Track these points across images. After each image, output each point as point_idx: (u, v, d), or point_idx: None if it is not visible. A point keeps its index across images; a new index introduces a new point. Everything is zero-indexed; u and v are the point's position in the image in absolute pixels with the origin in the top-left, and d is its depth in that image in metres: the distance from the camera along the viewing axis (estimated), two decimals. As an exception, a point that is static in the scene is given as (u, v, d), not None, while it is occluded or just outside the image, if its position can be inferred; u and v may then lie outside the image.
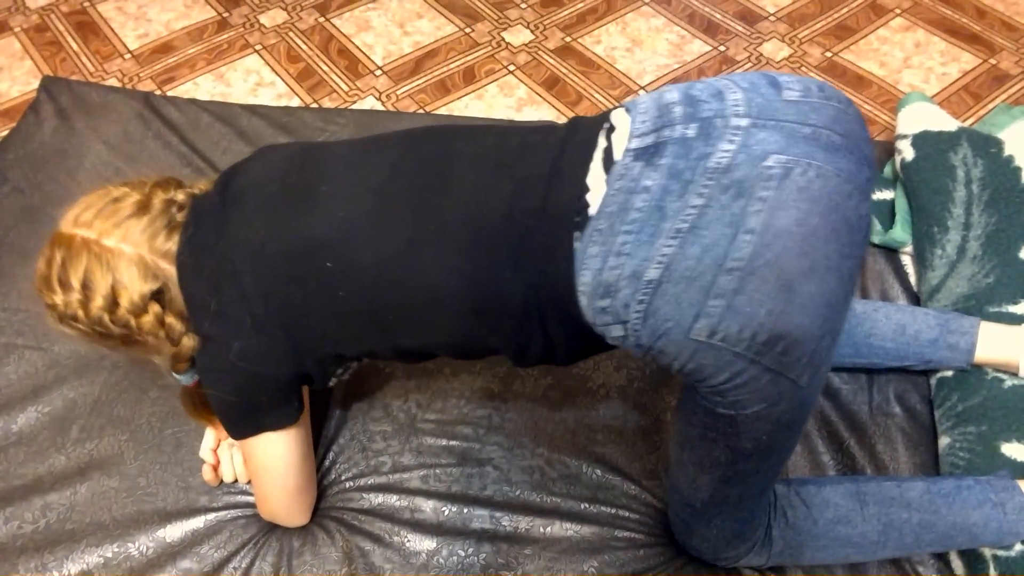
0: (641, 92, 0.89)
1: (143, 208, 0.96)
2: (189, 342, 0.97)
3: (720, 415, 0.84)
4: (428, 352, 0.99)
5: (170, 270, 0.96)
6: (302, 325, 0.94)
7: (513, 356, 0.94)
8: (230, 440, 1.18)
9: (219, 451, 1.18)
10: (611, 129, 0.85)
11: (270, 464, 1.04)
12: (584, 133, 0.87)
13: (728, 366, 0.78)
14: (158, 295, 0.95)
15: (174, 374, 1.03)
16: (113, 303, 0.93)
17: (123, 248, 0.94)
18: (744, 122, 0.78)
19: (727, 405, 0.82)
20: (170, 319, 0.95)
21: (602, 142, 0.84)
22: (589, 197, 0.81)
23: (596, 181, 0.82)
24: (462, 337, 0.93)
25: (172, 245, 0.96)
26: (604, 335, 0.85)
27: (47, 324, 1.33)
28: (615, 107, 0.90)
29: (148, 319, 0.94)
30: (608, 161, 0.82)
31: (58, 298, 0.94)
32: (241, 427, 1.01)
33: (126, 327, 0.94)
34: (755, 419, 0.83)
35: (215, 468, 1.17)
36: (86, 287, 0.93)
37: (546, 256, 0.83)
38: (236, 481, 1.18)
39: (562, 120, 1.84)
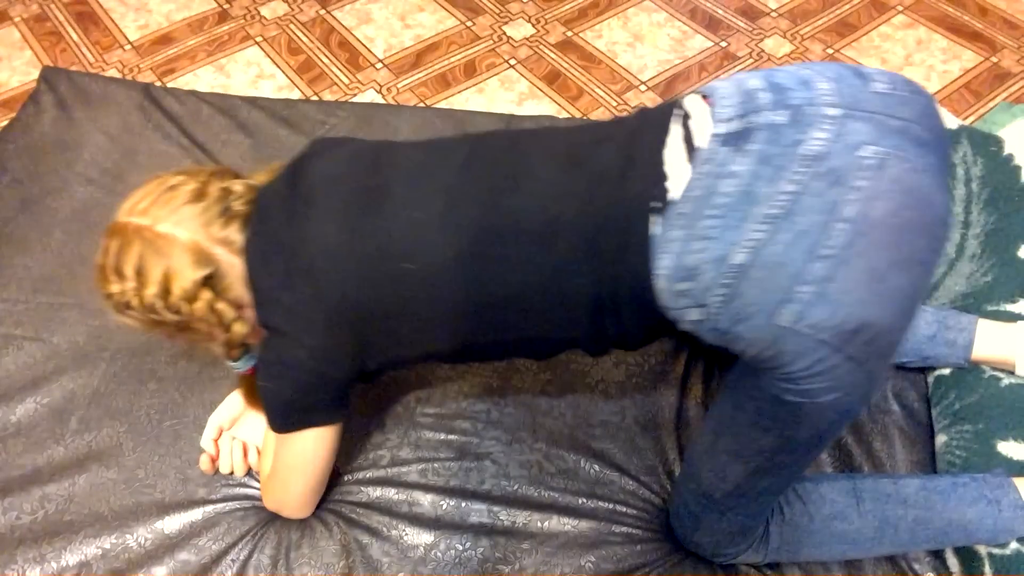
0: (718, 80, 0.89)
1: (199, 196, 0.97)
2: (241, 328, 0.98)
3: (786, 402, 0.83)
4: (499, 351, 1.00)
5: (225, 257, 0.96)
6: (375, 327, 0.94)
7: (587, 347, 0.96)
8: (232, 432, 1.19)
9: (220, 442, 1.18)
10: (687, 116, 0.86)
11: (303, 458, 1.04)
12: (656, 121, 0.87)
13: (811, 353, 0.78)
14: (210, 281, 0.95)
15: (228, 362, 1.04)
16: (165, 289, 0.94)
17: (176, 234, 0.95)
18: (836, 112, 0.78)
19: (798, 393, 0.82)
20: (221, 305, 0.96)
21: (677, 128, 0.85)
22: (669, 183, 0.81)
23: (677, 166, 0.82)
24: (536, 332, 0.93)
25: (230, 233, 0.97)
26: (678, 319, 0.85)
27: (45, 315, 1.34)
28: (686, 93, 0.90)
29: (200, 305, 0.95)
30: (690, 146, 0.82)
31: (114, 287, 0.96)
32: (290, 421, 1.01)
33: (179, 313, 0.95)
34: (823, 408, 0.83)
35: (214, 459, 1.17)
36: (140, 274, 0.94)
37: (622, 243, 0.84)
38: (232, 473, 1.18)
39: (563, 115, 1.84)
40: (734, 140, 0.79)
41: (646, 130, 0.87)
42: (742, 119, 0.80)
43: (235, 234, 0.97)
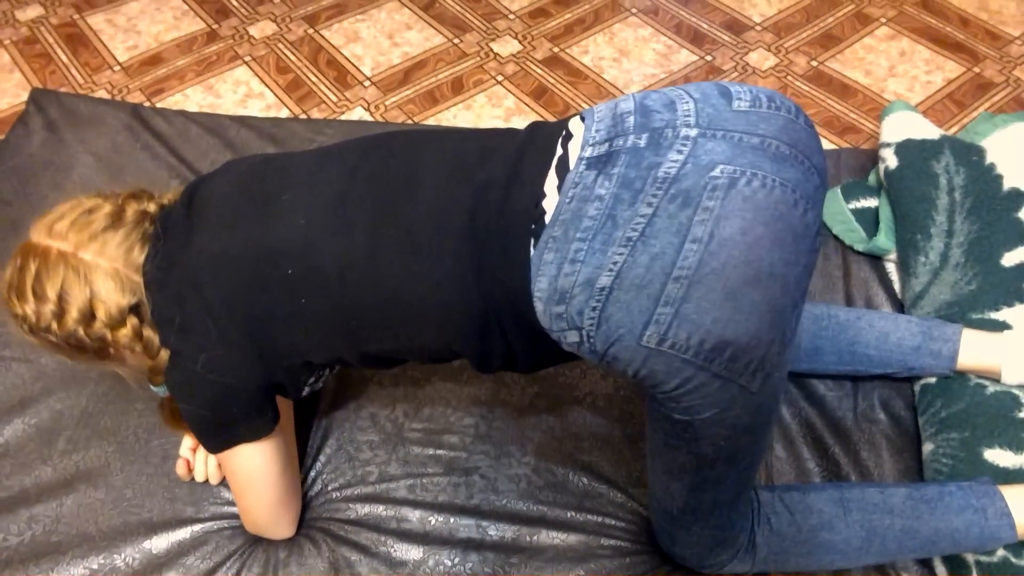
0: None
1: (117, 220, 0.96)
2: (166, 355, 0.97)
3: (677, 421, 0.85)
4: (396, 358, 0.99)
5: (140, 283, 0.96)
6: (267, 333, 0.93)
7: (476, 362, 0.95)
8: None
9: (198, 450, 1.19)
10: (568, 137, 0.87)
11: (249, 477, 1.04)
12: (542, 140, 0.88)
13: (678, 372, 0.80)
14: (136, 309, 0.95)
15: (151, 387, 1.03)
16: (89, 316, 0.93)
17: (99, 262, 0.94)
18: (693, 132, 0.79)
19: (682, 411, 0.84)
20: (148, 332, 0.95)
21: (559, 150, 0.86)
22: (545, 204, 0.83)
23: (551, 188, 0.83)
24: (426, 341, 0.93)
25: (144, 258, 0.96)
26: (560, 341, 0.86)
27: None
28: (573, 115, 0.91)
29: (125, 332, 0.94)
30: (562, 169, 0.84)
31: (29, 308, 0.94)
32: (216, 440, 1.01)
33: (101, 340, 0.94)
34: (710, 424, 0.84)
35: (190, 466, 1.18)
36: (62, 299, 0.93)
37: (503, 262, 0.84)
38: (207, 481, 1.18)
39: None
40: (599, 164, 0.81)
41: (532, 148, 0.88)
42: (609, 143, 0.82)
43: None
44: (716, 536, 0.99)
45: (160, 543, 1.13)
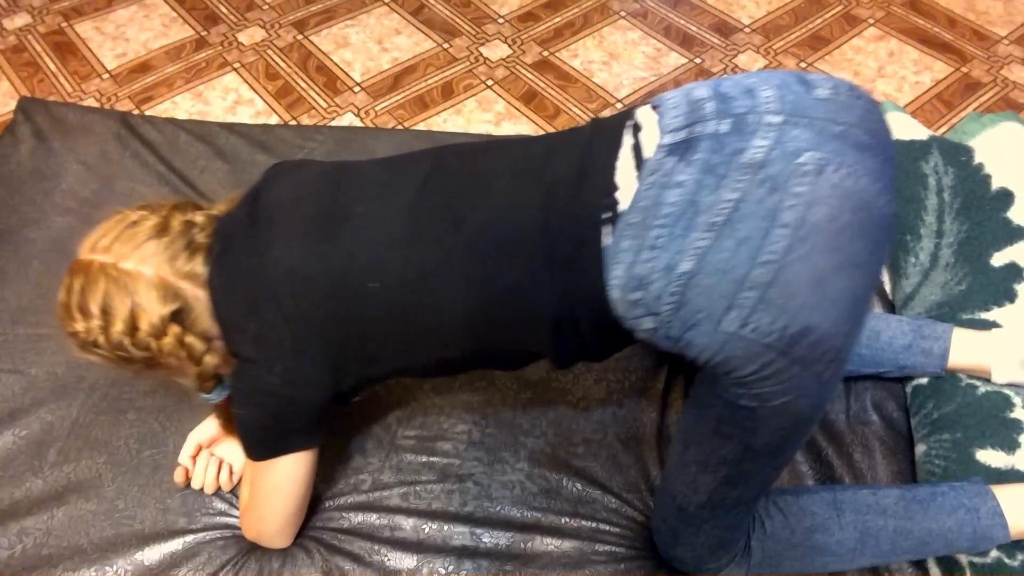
0: (667, 90, 0.90)
1: (162, 230, 0.97)
2: (212, 360, 0.97)
3: (741, 407, 0.85)
4: (472, 362, 1.01)
5: (191, 290, 0.96)
6: (343, 347, 0.95)
7: (553, 358, 0.96)
8: (211, 450, 1.19)
9: (198, 458, 1.18)
10: (637, 127, 0.87)
11: (281, 486, 1.04)
12: (608, 132, 0.89)
13: (757, 357, 0.79)
14: (178, 316, 0.95)
15: (202, 394, 1.04)
16: (133, 327, 0.94)
17: (142, 270, 0.94)
18: (777, 119, 0.79)
19: (751, 397, 0.83)
20: (190, 339, 0.96)
21: (628, 139, 0.86)
22: (619, 194, 0.83)
23: (626, 177, 0.83)
24: (503, 343, 0.95)
25: (195, 266, 0.97)
26: (634, 328, 0.86)
27: (23, 346, 1.33)
28: (639, 105, 0.91)
29: (168, 340, 0.95)
30: (638, 157, 0.84)
31: (79, 325, 0.95)
32: (267, 448, 1.01)
33: (147, 350, 0.95)
34: (776, 412, 0.84)
35: (188, 474, 1.18)
36: (105, 312, 0.94)
37: (577, 254, 0.85)
38: (202, 490, 1.18)
39: (541, 133, 1.85)
40: (679, 150, 0.81)
41: (598, 141, 0.89)
42: (687, 129, 0.82)
43: (199, 267, 0.97)
44: (723, 537, 0.99)
45: (152, 554, 1.13)
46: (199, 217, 1.01)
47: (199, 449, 1.19)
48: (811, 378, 0.82)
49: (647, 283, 0.81)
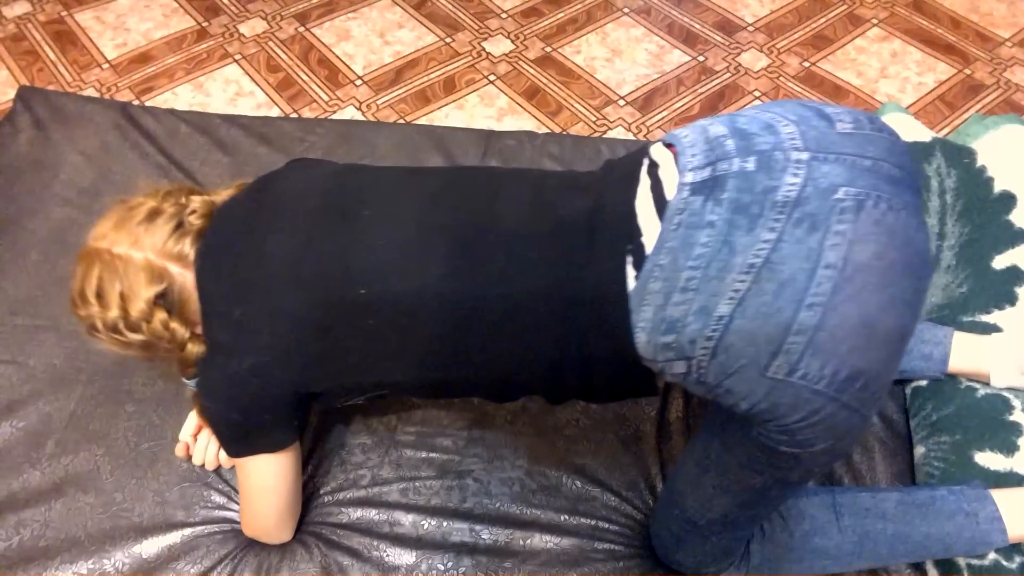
0: (683, 127, 0.88)
1: (154, 214, 0.97)
2: (194, 348, 0.97)
3: (781, 453, 0.82)
4: (458, 388, 0.99)
5: (177, 272, 0.96)
6: (321, 349, 0.92)
7: (544, 393, 0.94)
8: None
9: (199, 436, 1.17)
10: (654, 164, 0.85)
11: (264, 484, 1.03)
12: (623, 171, 0.87)
13: (806, 404, 0.76)
14: (164, 298, 0.95)
15: (184, 380, 1.03)
16: (124, 310, 0.94)
17: (132, 254, 0.95)
18: (804, 155, 0.76)
19: (794, 444, 0.80)
20: (174, 324, 0.95)
21: (645, 179, 0.84)
22: (644, 237, 0.80)
23: (648, 218, 0.81)
24: (496, 372, 0.92)
25: (183, 247, 0.96)
26: (664, 371, 0.83)
27: (21, 338, 1.33)
28: (651, 142, 0.89)
29: (155, 324, 0.95)
30: (658, 197, 0.81)
31: (82, 312, 0.97)
32: (240, 445, 1.00)
33: (141, 333, 0.95)
34: (818, 455, 0.82)
35: (189, 450, 1.17)
36: (100, 297, 0.95)
37: (596, 295, 0.82)
38: (203, 466, 1.17)
39: (543, 130, 1.84)
40: (705, 189, 0.78)
41: (614, 179, 0.87)
42: (711, 167, 0.79)
43: (188, 247, 0.96)
44: (728, 547, 0.99)
45: (150, 548, 1.12)
46: (195, 201, 1.00)
47: (200, 428, 1.17)
48: (857, 420, 0.79)
49: (680, 326, 0.78)
